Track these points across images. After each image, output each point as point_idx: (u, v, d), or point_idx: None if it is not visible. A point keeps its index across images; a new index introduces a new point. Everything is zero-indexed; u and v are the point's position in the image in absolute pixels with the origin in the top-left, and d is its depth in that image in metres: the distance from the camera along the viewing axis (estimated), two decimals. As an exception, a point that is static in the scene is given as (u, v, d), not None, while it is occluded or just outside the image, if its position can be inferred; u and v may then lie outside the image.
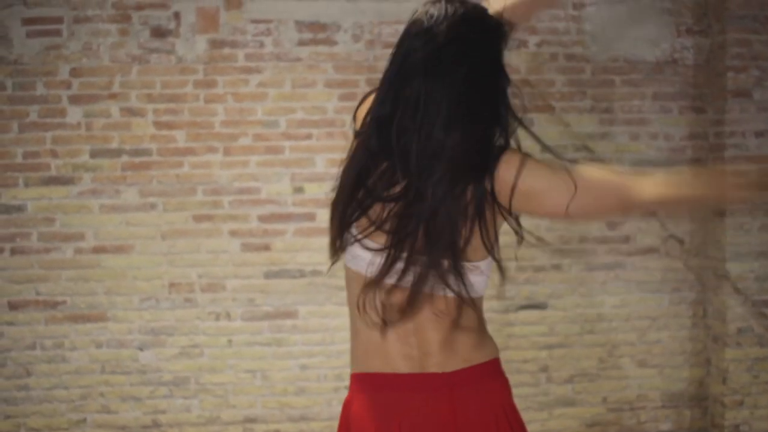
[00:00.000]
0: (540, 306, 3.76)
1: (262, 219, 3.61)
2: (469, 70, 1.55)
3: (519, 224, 1.63)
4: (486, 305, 3.79)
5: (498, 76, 1.65)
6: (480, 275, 1.64)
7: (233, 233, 3.63)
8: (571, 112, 3.75)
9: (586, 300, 3.78)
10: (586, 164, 1.63)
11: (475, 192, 1.54)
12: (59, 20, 3.57)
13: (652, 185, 1.54)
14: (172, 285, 3.62)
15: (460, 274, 1.56)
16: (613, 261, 3.79)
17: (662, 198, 1.56)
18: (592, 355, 3.80)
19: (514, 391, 3.85)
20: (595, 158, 3.75)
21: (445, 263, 1.55)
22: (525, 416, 3.72)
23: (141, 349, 3.63)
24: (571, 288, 3.77)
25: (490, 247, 1.62)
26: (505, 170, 1.55)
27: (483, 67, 1.60)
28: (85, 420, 3.62)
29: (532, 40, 3.73)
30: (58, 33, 3.57)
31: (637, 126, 3.78)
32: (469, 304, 1.62)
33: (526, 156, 1.58)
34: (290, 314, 3.65)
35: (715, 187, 1.64)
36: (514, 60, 3.70)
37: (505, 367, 3.87)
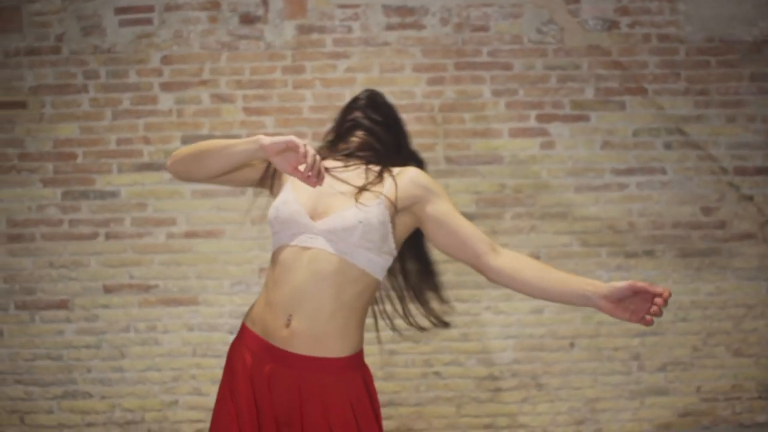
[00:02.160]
0: (632, 293, 3.67)
1: (351, 204, 3.62)
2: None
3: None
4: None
5: None
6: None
7: (322, 218, 3.64)
8: (665, 95, 3.65)
9: (680, 287, 3.68)
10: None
11: None
12: (150, 9, 3.63)
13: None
14: (262, 270, 3.65)
15: None
16: (708, 247, 3.69)
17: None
18: (685, 344, 3.70)
19: (604, 379, 3.80)
20: (690, 141, 3.65)
21: None
22: (615, 405, 3.70)
23: (231, 333, 3.67)
24: (664, 274, 3.68)
25: None
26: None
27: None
28: (177, 402, 3.69)
29: (624, 21, 3.64)
30: (149, 21, 3.63)
31: (733, 108, 3.67)
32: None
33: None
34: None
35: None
36: (605, 41, 3.62)
37: (595, 354, 3.82)
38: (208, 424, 3.64)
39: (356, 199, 1.93)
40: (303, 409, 1.87)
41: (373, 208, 1.91)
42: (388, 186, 1.97)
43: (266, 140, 1.86)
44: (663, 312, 1.68)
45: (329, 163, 2.09)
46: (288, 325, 1.88)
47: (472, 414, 3.70)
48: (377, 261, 1.94)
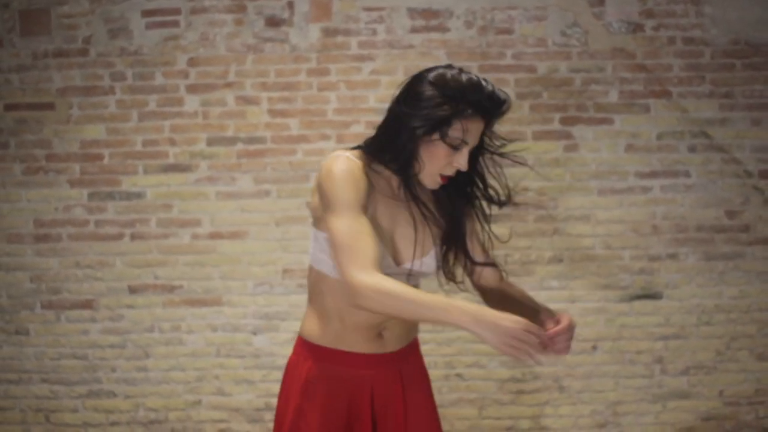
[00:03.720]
0: (655, 296, 3.67)
1: (374, 206, 3.63)
2: None
3: None
4: (599, 294, 3.75)
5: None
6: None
7: (345, 220, 3.66)
8: (689, 98, 3.64)
9: (704, 290, 3.67)
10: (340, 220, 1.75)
11: None
12: (177, 11, 3.66)
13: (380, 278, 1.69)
14: (285, 271, 3.67)
15: None
16: (732, 251, 3.67)
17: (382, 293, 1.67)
18: (709, 347, 3.69)
19: (627, 382, 3.80)
20: (715, 145, 3.64)
21: None
22: (638, 408, 3.70)
23: (255, 334, 3.70)
24: (687, 278, 3.67)
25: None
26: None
27: None
28: (200, 401, 3.71)
29: (649, 23, 3.63)
30: (176, 24, 3.66)
31: (758, 111, 3.65)
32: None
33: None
34: (401, 301, 3.66)
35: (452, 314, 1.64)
36: (630, 44, 3.62)
37: (618, 357, 3.81)
38: (230, 425, 3.68)
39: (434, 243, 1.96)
40: (405, 395, 1.98)
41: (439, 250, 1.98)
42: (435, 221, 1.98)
43: (495, 331, 1.60)
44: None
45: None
46: (381, 336, 1.95)
47: (494, 416, 3.70)
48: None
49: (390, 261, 1.88)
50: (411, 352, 2.06)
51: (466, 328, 1.61)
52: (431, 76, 1.81)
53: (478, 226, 2.03)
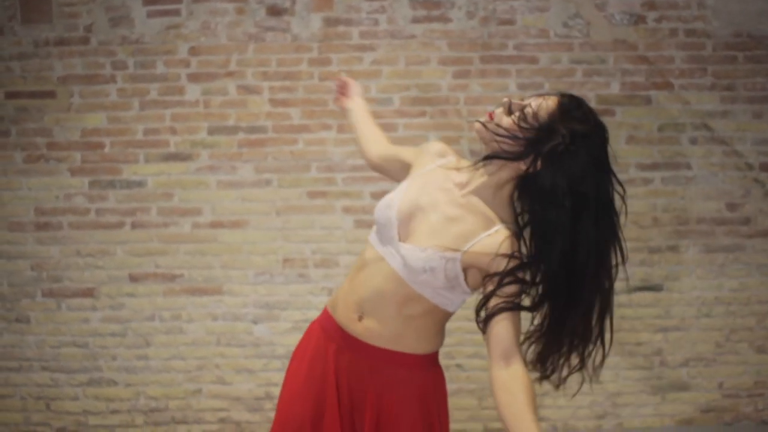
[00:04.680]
0: (655, 288, 3.68)
1: (375, 196, 3.63)
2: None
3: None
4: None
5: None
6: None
7: (346, 210, 3.66)
8: (691, 90, 3.64)
9: (704, 282, 3.68)
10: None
11: None
12: (178, 0, 3.65)
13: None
14: (286, 260, 3.67)
15: None
16: (733, 243, 3.68)
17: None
18: (708, 339, 3.70)
19: (626, 373, 3.80)
20: (716, 137, 3.64)
21: None
22: (637, 399, 3.70)
23: (255, 323, 3.70)
24: (688, 270, 3.68)
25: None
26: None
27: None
28: (200, 390, 3.72)
29: (651, 15, 3.62)
30: (177, 13, 3.65)
31: (760, 104, 3.65)
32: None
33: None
34: (401, 291, 3.66)
35: None
36: (632, 36, 3.61)
37: (617, 349, 3.80)
38: (230, 413, 3.69)
39: (434, 244, 1.80)
40: (376, 399, 1.89)
41: (447, 263, 1.77)
42: (477, 241, 1.78)
43: None
44: None
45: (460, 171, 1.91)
46: (360, 320, 1.91)
47: (494, 406, 3.70)
48: (448, 297, 1.85)
49: (394, 230, 1.83)
50: (407, 371, 1.89)
51: None
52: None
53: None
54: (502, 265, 1.73)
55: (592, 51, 3.63)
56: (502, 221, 1.80)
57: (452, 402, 3.68)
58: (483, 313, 1.76)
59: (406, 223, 1.85)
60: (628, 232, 3.62)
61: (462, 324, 3.49)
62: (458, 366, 3.70)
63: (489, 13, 3.63)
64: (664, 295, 3.68)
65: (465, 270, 1.80)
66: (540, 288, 1.75)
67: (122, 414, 3.73)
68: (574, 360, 1.79)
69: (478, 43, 3.63)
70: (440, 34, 3.63)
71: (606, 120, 3.60)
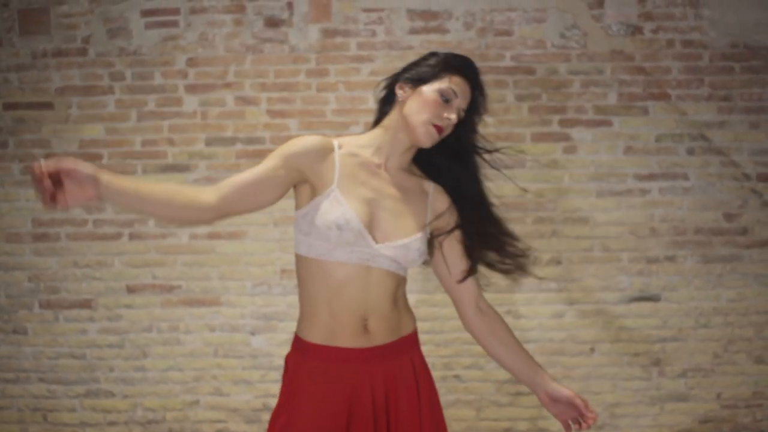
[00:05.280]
0: (653, 298, 3.68)
1: (373, 207, 3.63)
2: None
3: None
4: (597, 296, 3.75)
5: None
6: None
7: (344, 221, 3.66)
8: (688, 100, 3.65)
9: (702, 293, 3.68)
10: None
11: None
12: (176, 11, 3.66)
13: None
14: (283, 271, 3.67)
15: None
16: (730, 253, 3.68)
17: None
18: (706, 350, 3.70)
19: (624, 384, 3.79)
20: (713, 147, 3.65)
21: None
22: (635, 410, 3.70)
23: (253, 334, 3.70)
24: (685, 280, 3.68)
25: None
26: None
27: None
28: (198, 401, 3.71)
29: (648, 26, 3.64)
30: (175, 24, 3.66)
31: (756, 114, 3.65)
32: None
33: None
34: (399, 302, 3.66)
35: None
36: (629, 46, 3.63)
37: (615, 359, 3.81)
38: (228, 425, 3.68)
39: (419, 227, 2.00)
40: (398, 392, 1.97)
41: (425, 236, 2.00)
42: (429, 206, 2.05)
43: None
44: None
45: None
46: (366, 328, 1.94)
47: (492, 417, 3.71)
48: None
49: (367, 236, 1.90)
50: (405, 350, 2.03)
51: None
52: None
53: (462, 237, 2.05)
54: (453, 216, 2.03)
55: (590, 62, 3.64)
56: (423, 178, 2.06)
57: (450, 413, 3.67)
58: (461, 267, 2.02)
59: (373, 225, 1.92)
60: (626, 242, 3.65)
61: (460, 335, 3.49)
62: (456, 377, 3.70)
63: (486, 24, 3.64)
64: (662, 306, 3.68)
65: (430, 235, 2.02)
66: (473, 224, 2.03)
67: (119, 426, 3.72)
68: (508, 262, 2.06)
69: (475, 54, 3.63)
70: (438, 45, 3.64)
71: (603, 130, 3.65)
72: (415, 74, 1.97)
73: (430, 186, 2.06)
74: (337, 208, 1.89)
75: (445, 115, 1.92)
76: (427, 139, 1.94)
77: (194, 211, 1.83)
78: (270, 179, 1.90)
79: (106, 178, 1.68)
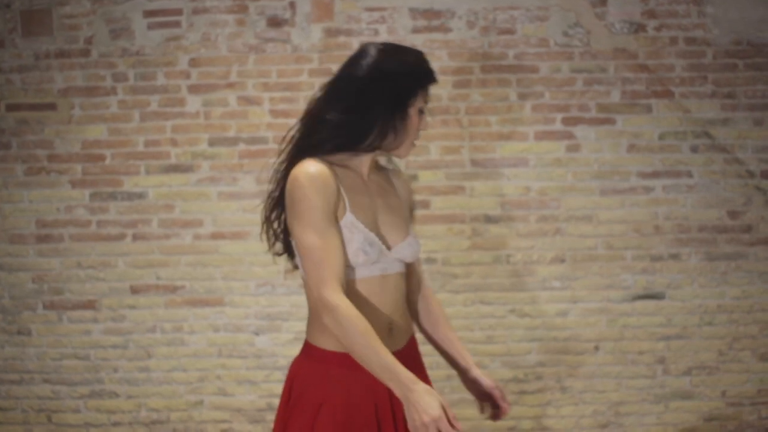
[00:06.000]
0: (657, 296, 3.67)
1: (376, 206, 3.63)
2: None
3: None
4: (601, 294, 3.74)
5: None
6: None
7: (347, 220, 3.66)
8: (691, 98, 3.64)
9: (706, 291, 3.67)
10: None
11: None
12: (179, 12, 3.66)
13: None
14: (287, 271, 3.66)
15: None
16: (734, 251, 3.67)
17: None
18: (711, 348, 3.69)
19: (629, 382, 3.79)
20: (717, 145, 3.64)
21: None
22: (640, 408, 3.69)
23: (257, 334, 3.70)
24: (690, 278, 3.67)
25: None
26: None
27: None
28: (202, 402, 3.71)
29: (651, 24, 3.63)
30: (177, 24, 3.66)
31: (760, 111, 3.64)
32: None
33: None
34: (403, 301, 3.66)
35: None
36: (632, 44, 3.62)
37: (620, 358, 3.79)
38: (232, 425, 3.68)
39: (407, 220, 2.12)
40: None
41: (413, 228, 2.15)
42: (404, 202, 2.15)
43: (417, 418, 1.72)
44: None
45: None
46: (390, 331, 1.96)
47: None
48: None
49: (384, 249, 1.94)
50: (414, 346, 2.12)
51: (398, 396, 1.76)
52: (382, 49, 1.94)
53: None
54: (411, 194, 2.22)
55: (593, 60, 3.64)
56: (381, 169, 2.12)
57: (454, 412, 3.67)
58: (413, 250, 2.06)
59: (382, 233, 1.96)
60: (630, 240, 3.64)
61: (462, 334, 3.49)
62: (461, 376, 3.69)
63: (489, 22, 3.63)
64: (666, 304, 3.67)
65: None
66: None
67: (124, 426, 3.72)
68: None
69: (478, 53, 3.63)
70: (440, 44, 3.64)
71: (607, 128, 3.64)
72: (400, 97, 1.90)
73: (389, 174, 2.14)
74: (357, 234, 1.88)
75: (422, 126, 1.98)
76: (407, 154, 2.02)
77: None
78: (340, 238, 1.86)
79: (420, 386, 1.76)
